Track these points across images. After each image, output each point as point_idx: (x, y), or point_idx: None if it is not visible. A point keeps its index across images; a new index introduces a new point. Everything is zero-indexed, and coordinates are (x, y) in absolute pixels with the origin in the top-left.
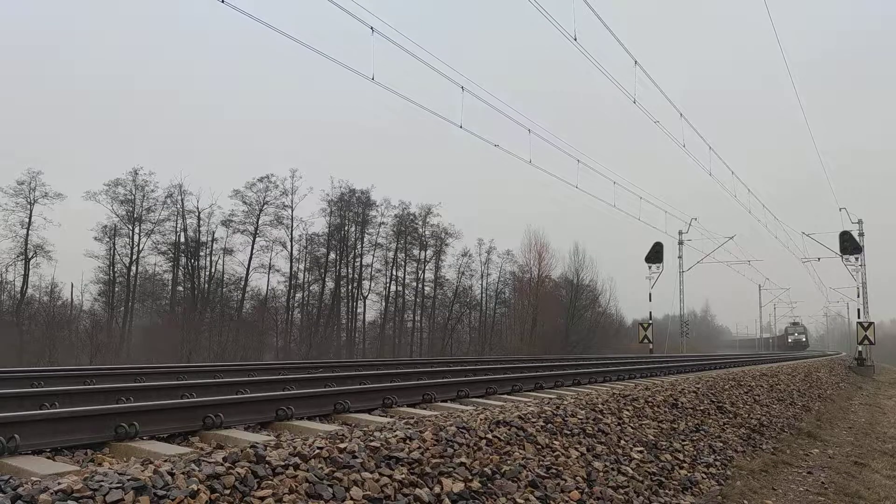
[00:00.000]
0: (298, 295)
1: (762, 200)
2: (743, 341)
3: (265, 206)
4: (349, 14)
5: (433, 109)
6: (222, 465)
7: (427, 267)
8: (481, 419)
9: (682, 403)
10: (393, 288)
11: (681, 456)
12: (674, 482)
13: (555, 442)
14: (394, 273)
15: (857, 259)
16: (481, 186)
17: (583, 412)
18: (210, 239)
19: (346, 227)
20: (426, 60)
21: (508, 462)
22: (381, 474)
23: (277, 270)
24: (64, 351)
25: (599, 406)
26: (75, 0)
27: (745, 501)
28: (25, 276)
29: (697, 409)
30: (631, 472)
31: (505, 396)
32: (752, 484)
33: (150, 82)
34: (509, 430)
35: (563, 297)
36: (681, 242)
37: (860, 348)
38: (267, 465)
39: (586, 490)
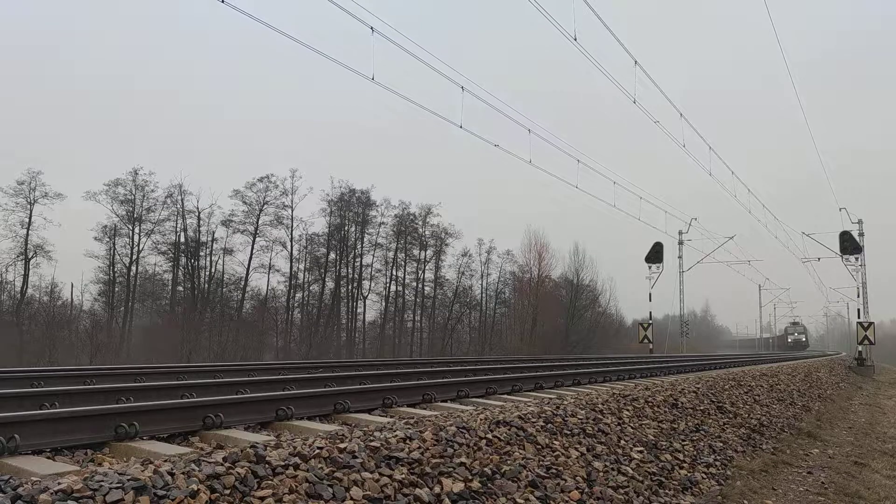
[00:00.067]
0: (298, 295)
1: (762, 200)
2: (743, 341)
3: (265, 206)
4: (349, 14)
5: (433, 109)
6: (222, 465)
7: (427, 267)
8: (481, 419)
9: (682, 403)
10: (393, 288)
11: (681, 456)
12: (674, 482)
13: (555, 442)
14: (394, 273)
15: (857, 259)
16: (481, 186)
17: (583, 412)
18: (210, 239)
19: (346, 227)
20: (426, 60)
21: (508, 462)
22: (381, 474)
23: (277, 270)
24: (64, 351)
25: (599, 406)
26: (75, 0)
27: (745, 501)
28: (25, 276)
29: (697, 409)
30: (631, 472)
31: (505, 396)
32: (752, 484)
33: (150, 82)
34: (509, 430)
35: (563, 297)
36: (681, 242)
37: (860, 348)
38: (267, 465)
39: (586, 490)
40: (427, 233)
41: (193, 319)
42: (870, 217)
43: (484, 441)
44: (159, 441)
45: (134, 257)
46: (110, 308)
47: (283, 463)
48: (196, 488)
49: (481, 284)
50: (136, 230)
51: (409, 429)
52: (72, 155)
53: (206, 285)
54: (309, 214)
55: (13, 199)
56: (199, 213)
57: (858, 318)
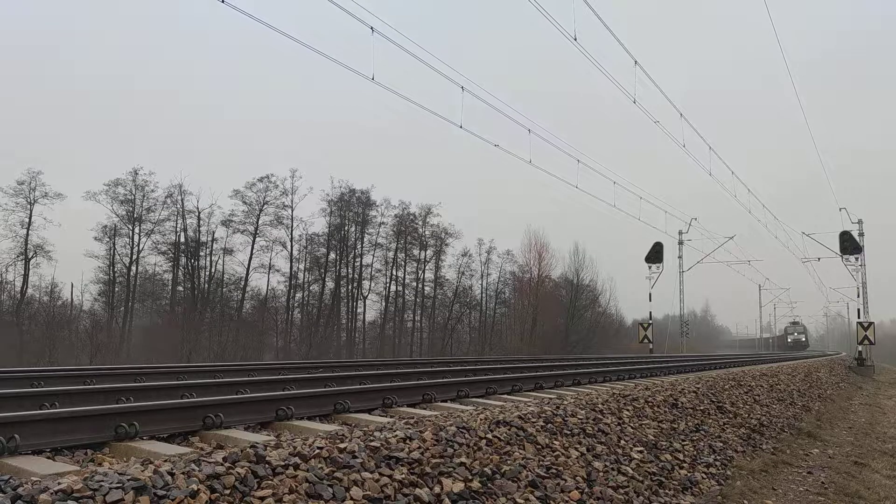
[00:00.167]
0: (298, 295)
1: (762, 200)
2: (743, 341)
3: (265, 206)
4: (349, 14)
5: (433, 109)
6: (222, 465)
7: (427, 267)
8: (481, 419)
9: (682, 403)
10: (393, 288)
11: (681, 456)
12: (674, 482)
13: (555, 442)
14: (394, 273)
15: (857, 259)
16: (481, 186)
17: (583, 412)
18: (210, 239)
19: (346, 227)
20: (426, 60)
21: (508, 462)
22: (381, 474)
23: (277, 270)
24: (64, 351)
25: (599, 406)
26: (75, 0)
27: (745, 501)
28: (25, 276)
29: (697, 409)
30: (631, 472)
31: (505, 396)
32: (752, 484)
33: (150, 82)
34: (509, 430)
35: (563, 297)
36: (681, 242)
37: (860, 348)
38: (267, 465)
39: (586, 490)
40: (427, 233)
41: (193, 319)
42: (870, 217)
43: (484, 441)
44: (159, 441)
45: (134, 257)
46: (110, 308)
47: (283, 463)
48: (196, 488)
49: (481, 284)
50: (136, 230)
51: (409, 429)
52: (72, 155)
53: (206, 285)
54: (309, 214)
55: (13, 199)
56: (199, 213)
57: (858, 318)
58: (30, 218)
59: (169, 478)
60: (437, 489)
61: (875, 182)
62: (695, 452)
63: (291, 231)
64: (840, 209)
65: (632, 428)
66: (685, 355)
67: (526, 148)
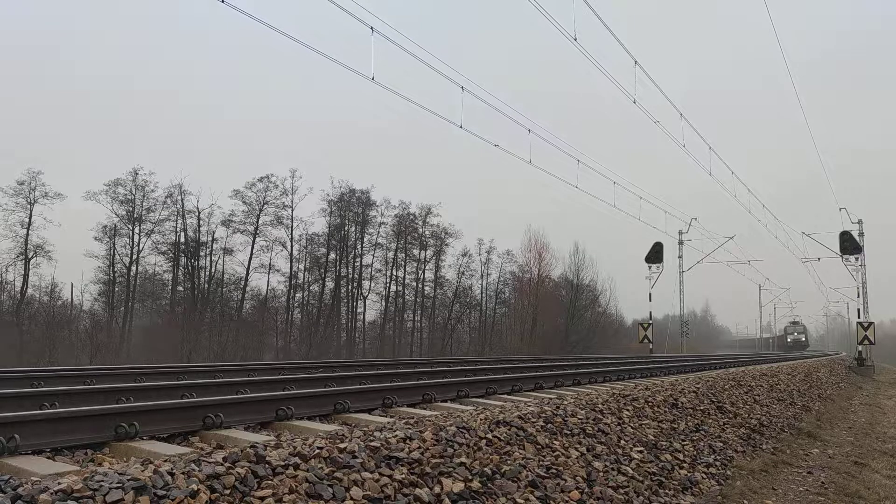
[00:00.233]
0: (298, 295)
1: (762, 200)
2: (743, 341)
3: (265, 206)
4: (349, 14)
5: (433, 109)
6: (222, 465)
7: (427, 267)
8: (481, 419)
9: (682, 403)
10: (393, 288)
11: (681, 456)
12: (674, 482)
13: (555, 442)
14: (394, 273)
15: (857, 259)
16: (481, 186)
17: (583, 412)
18: (210, 239)
19: (346, 227)
20: (426, 60)
21: (508, 462)
22: (381, 474)
23: (277, 270)
24: (64, 351)
25: (599, 406)
26: (75, 0)
27: (745, 501)
28: (25, 276)
29: (697, 409)
30: (631, 472)
31: (505, 396)
32: (752, 484)
33: (150, 82)
34: (509, 430)
35: (563, 297)
36: (681, 242)
37: (860, 348)
38: (267, 465)
39: (586, 490)
40: (427, 233)
41: (193, 319)
42: (870, 217)
43: (484, 441)
44: (159, 441)
45: (134, 257)
46: (110, 308)
47: (283, 463)
48: (196, 488)
49: (481, 284)
50: (136, 230)
51: (409, 429)
52: (72, 155)
53: (206, 285)
54: (309, 214)
55: (13, 199)
56: (199, 213)
57: (858, 318)
58: (30, 218)
59: (169, 478)
60: (437, 489)
61: (875, 182)
62: (695, 452)
63: (291, 231)
64: (840, 209)
65: (632, 428)
66: (685, 355)
67: (526, 148)
